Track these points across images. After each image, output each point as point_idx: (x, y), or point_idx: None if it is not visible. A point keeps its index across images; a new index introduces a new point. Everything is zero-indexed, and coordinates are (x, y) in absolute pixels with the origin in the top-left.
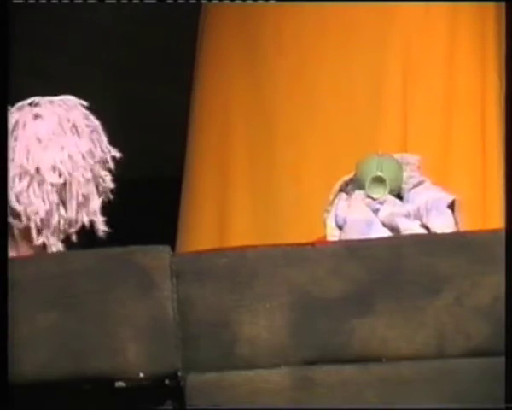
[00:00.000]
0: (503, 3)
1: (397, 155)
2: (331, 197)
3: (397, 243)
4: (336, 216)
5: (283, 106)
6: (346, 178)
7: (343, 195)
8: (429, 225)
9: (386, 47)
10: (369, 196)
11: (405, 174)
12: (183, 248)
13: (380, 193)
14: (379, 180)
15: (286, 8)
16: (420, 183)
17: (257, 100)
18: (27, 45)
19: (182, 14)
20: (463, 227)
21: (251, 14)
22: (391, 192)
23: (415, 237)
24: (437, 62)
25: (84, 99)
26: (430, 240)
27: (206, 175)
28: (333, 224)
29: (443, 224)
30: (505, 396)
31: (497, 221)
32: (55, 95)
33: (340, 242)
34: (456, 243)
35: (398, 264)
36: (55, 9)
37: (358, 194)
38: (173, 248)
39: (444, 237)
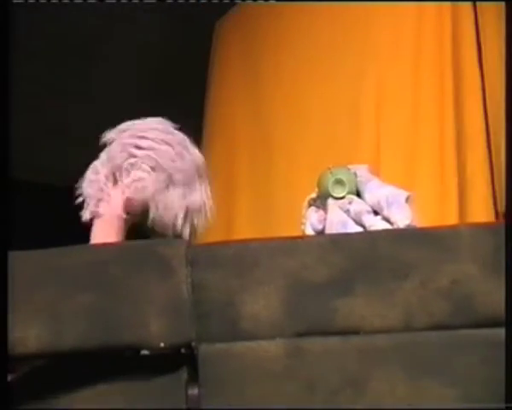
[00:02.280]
0: (503, 4)
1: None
2: (303, 212)
3: (372, 236)
4: (312, 225)
5: (278, 124)
6: (312, 195)
7: (313, 208)
8: (391, 218)
9: (362, 77)
10: (334, 198)
11: (358, 177)
12: (196, 241)
13: (341, 192)
14: (339, 182)
15: (280, 41)
16: (369, 179)
17: (257, 120)
18: (39, 61)
19: (195, 42)
20: (423, 221)
21: (253, 48)
22: (351, 193)
23: (387, 232)
24: (404, 88)
25: (101, 118)
26: (400, 234)
27: (215, 183)
28: (311, 232)
29: (403, 216)
30: (505, 396)
31: (454, 218)
32: (70, 113)
33: (325, 235)
34: (421, 236)
35: (374, 254)
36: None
37: (331, 201)
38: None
39: (411, 231)
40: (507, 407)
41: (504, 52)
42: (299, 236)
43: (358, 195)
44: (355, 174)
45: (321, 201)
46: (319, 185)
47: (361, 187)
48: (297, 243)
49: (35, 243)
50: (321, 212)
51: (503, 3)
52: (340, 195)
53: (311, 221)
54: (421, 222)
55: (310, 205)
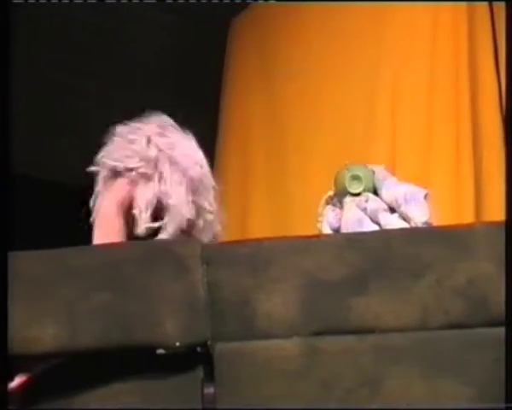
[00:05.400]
0: (504, 4)
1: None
2: (320, 209)
3: (388, 235)
4: (329, 223)
5: (293, 122)
6: (330, 193)
7: (330, 207)
8: (409, 214)
9: (377, 73)
10: (351, 194)
11: (375, 175)
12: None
13: (358, 188)
14: (356, 178)
15: (295, 40)
16: (386, 177)
17: (271, 117)
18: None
19: (210, 43)
20: (440, 220)
21: (267, 47)
22: (367, 190)
23: (402, 230)
24: (420, 86)
25: (115, 119)
26: (415, 232)
27: (231, 180)
28: (328, 230)
29: (421, 213)
30: (505, 396)
31: (470, 217)
32: (81, 111)
33: (341, 234)
34: (437, 234)
35: (389, 252)
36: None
37: (348, 199)
38: None
39: (426, 230)
40: (507, 407)
41: None
42: (314, 235)
43: (375, 192)
44: (372, 171)
45: (338, 198)
46: (336, 183)
47: (378, 184)
48: (312, 242)
49: (46, 242)
50: (338, 210)
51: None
52: (357, 190)
53: (329, 220)
54: (438, 221)
55: (327, 203)
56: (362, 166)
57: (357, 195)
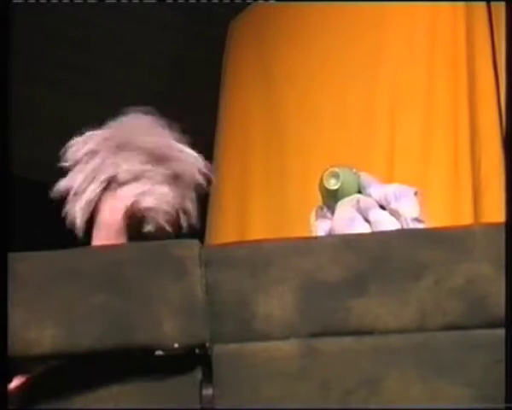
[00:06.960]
0: (504, 4)
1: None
2: (312, 221)
3: (386, 236)
4: (324, 232)
5: (292, 125)
6: (320, 204)
7: (320, 219)
8: (399, 210)
9: (376, 78)
10: (328, 189)
11: (361, 178)
12: (210, 242)
13: (335, 184)
14: (333, 174)
15: (295, 40)
16: (372, 180)
17: (271, 120)
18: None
19: (210, 43)
20: (438, 222)
21: (266, 49)
22: (353, 192)
23: (401, 232)
24: (418, 89)
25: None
26: (413, 234)
27: (229, 182)
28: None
29: (412, 208)
30: (505, 396)
31: (468, 220)
32: (82, 112)
33: (339, 235)
34: (435, 236)
35: (387, 253)
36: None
37: (345, 200)
38: (202, 242)
39: (425, 231)
40: (507, 407)
41: None
42: (313, 236)
43: (361, 194)
44: (357, 175)
45: (328, 207)
46: (320, 191)
47: (364, 185)
48: (310, 244)
49: (46, 243)
50: (329, 220)
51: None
52: (334, 187)
53: (323, 229)
54: (435, 223)
55: (317, 216)
56: (344, 168)
57: (335, 191)
